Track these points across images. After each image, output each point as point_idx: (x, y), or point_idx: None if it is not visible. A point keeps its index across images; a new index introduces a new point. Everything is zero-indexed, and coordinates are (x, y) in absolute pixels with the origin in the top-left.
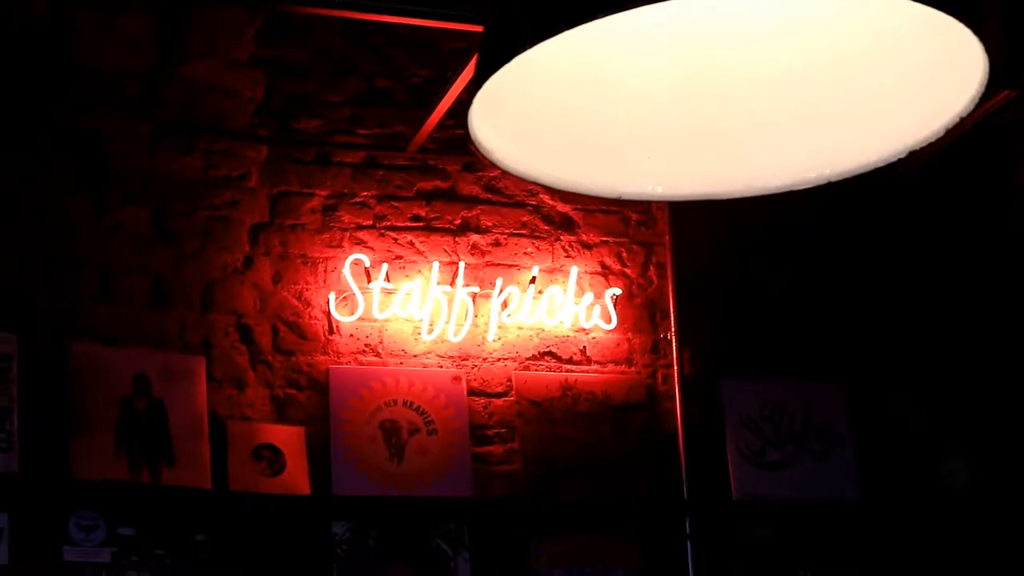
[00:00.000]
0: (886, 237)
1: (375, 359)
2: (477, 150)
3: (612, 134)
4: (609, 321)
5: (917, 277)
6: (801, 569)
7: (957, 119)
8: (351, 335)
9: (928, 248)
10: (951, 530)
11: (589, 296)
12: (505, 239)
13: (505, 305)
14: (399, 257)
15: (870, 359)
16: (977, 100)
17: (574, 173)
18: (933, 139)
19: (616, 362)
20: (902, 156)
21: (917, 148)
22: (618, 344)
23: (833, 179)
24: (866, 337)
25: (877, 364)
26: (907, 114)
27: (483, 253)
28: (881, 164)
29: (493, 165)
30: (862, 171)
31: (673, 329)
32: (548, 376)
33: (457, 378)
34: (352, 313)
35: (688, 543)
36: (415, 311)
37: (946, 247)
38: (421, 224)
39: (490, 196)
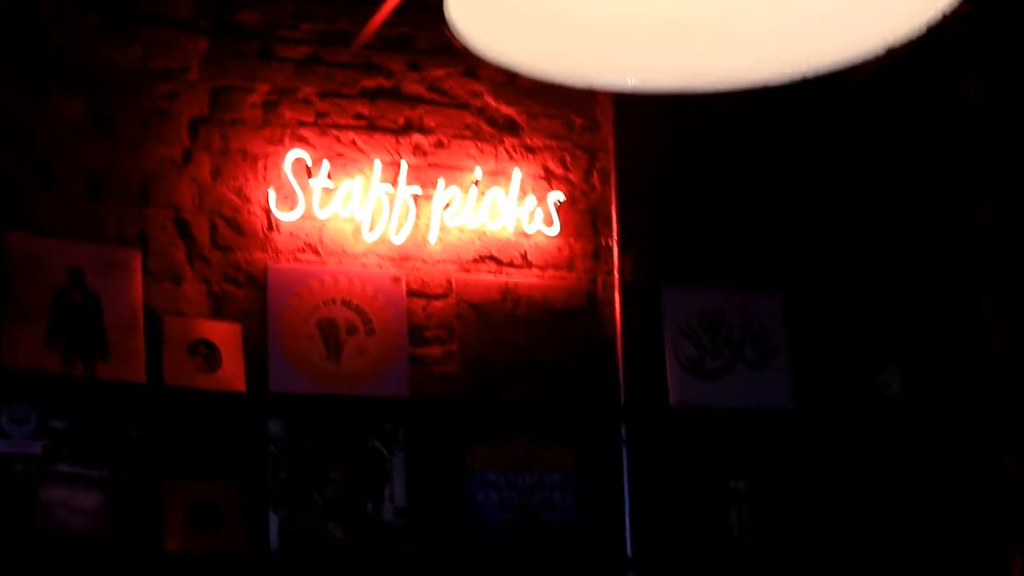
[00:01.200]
0: (831, 146)
1: (314, 258)
2: (452, 36)
3: (589, 23)
4: (551, 226)
5: (858, 187)
6: (734, 477)
7: (941, 16)
8: (290, 233)
9: (871, 158)
10: (885, 438)
11: (531, 200)
12: (448, 140)
13: (447, 207)
14: (341, 155)
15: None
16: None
17: (548, 61)
18: (914, 36)
19: (557, 267)
20: (880, 53)
21: (896, 45)
22: (559, 249)
23: (810, 74)
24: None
25: (812, 271)
26: (888, 10)
27: (426, 154)
28: (860, 60)
29: (468, 51)
30: (840, 67)
31: (615, 235)
32: (488, 280)
33: (397, 279)
34: (292, 210)
35: (624, 449)
36: (356, 210)
37: (889, 157)
38: (364, 123)
39: (434, 96)
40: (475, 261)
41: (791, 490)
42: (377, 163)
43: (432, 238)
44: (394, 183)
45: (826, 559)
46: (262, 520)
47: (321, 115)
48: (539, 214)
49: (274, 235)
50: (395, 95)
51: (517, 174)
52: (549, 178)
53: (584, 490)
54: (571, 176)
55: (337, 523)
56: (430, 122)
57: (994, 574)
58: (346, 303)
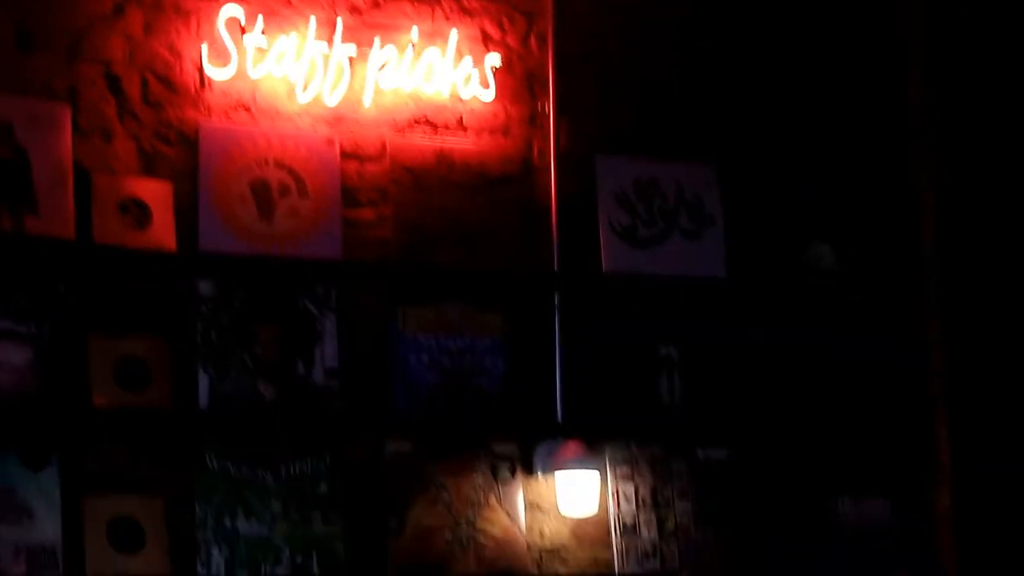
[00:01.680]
0: (773, 18)
1: (247, 117)
2: None
3: None
4: (487, 89)
5: (798, 60)
6: (665, 344)
7: None
8: (223, 91)
9: (812, 31)
10: (814, 310)
11: (468, 63)
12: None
13: (382, 68)
14: (275, 12)
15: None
16: None
17: None
18: None
19: (492, 132)
20: None
21: None
22: (495, 115)
23: None
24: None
25: (749, 144)
26: None
27: (361, 12)
28: None
29: None
30: None
31: (551, 102)
32: (423, 143)
33: (330, 141)
34: (225, 68)
35: (556, 316)
36: (290, 70)
37: (830, 31)
38: None
39: None
40: (410, 124)
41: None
42: (312, 20)
43: (367, 100)
44: (329, 42)
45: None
46: (191, 378)
47: None
48: (475, 78)
49: (206, 93)
50: None
51: (454, 36)
52: (486, 41)
53: (515, 355)
54: (508, 40)
55: (267, 383)
56: None
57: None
58: (279, 164)
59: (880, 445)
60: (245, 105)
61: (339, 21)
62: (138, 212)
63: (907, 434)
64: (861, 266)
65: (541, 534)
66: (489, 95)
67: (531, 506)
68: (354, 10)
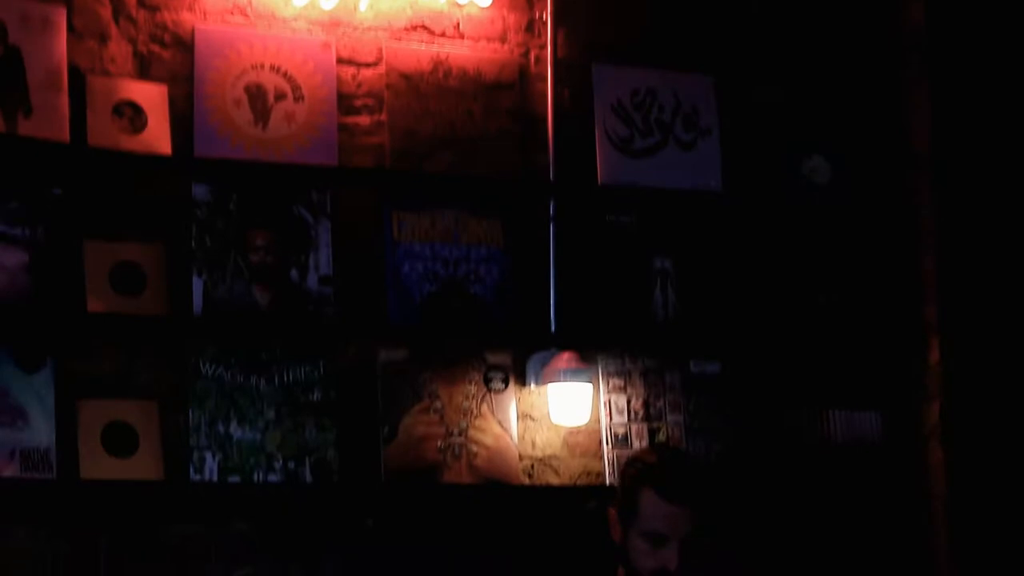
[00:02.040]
0: None
1: (243, 20)
2: None
3: None
4: None
5: None
6: (659, 255)
7: None
8: None
9: None
10: (810, 225)
11: None
12: None
13: None
14: None
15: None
16: None
17: None
18: None
19: (490, 39)
20: None
21: None
22: (492, 21)
23: None
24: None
25: (747, 56)
26: None
27: None
28: None
29: None
30: None
31: (549, 8)
32: (419, 50)
33: (326, 45)
34: None
35: (551, 225)
36: None
37: None
38: None
39: None
40: (406, 30)
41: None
42: None
43: (363, 5)
44: None
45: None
46: (185, 284)
47: None
48: None
49: None
50: None
51: None
52: None
53: (510, 265)
54: None
55: (261, 289)
56: None
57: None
58: (274, 68)
59: (872, 359)
60: (241, 8)
61: None
62: (133, 115)
63: (899, 348)
64: (856, 180)
65: (533, 444)
66: (486, 1)
67: (523, 416)
68: None
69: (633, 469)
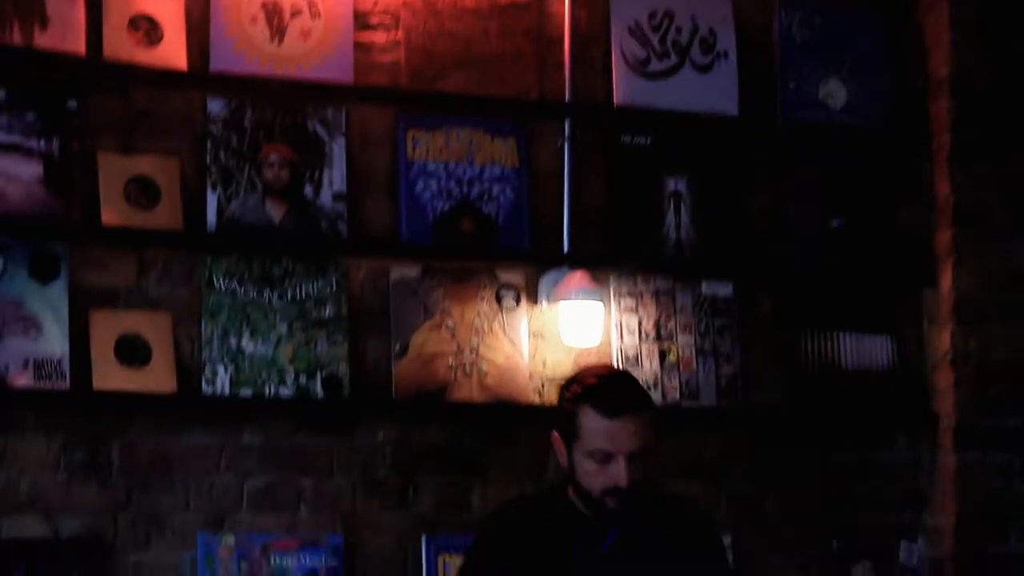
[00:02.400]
0: None
1: None
2: None
3: None
4: None
5: None
6: (674, 178)
7: None
8: None
9: None
10: (824, 149)
11: None
12: None
13: None
14: None
15: None
16: None
17: None
18: None
19: None
20: None
21: None
22: None
23: None
24: None
25: None
26: None
27: None
28: None
29: None
30: None
31: None
32: None
33: None
34: None
35: (566, 145)
36: None
37: None
38: None
39: None
40: None
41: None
42: None
43: None
44: None
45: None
46: (200, 199)
47: None
48: None
49: None
50: None
51: None
52: None
53: (523, 184)
54: None
55: (275, 205)
56: None
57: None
58: None
59: (884, 283)
60: None
61: None
62: (149, 28)
63: (911, 273)
64: (872, 104)
65: (544, 363)
66: None
67: (534, 335)
68: None
69: (570, 391)
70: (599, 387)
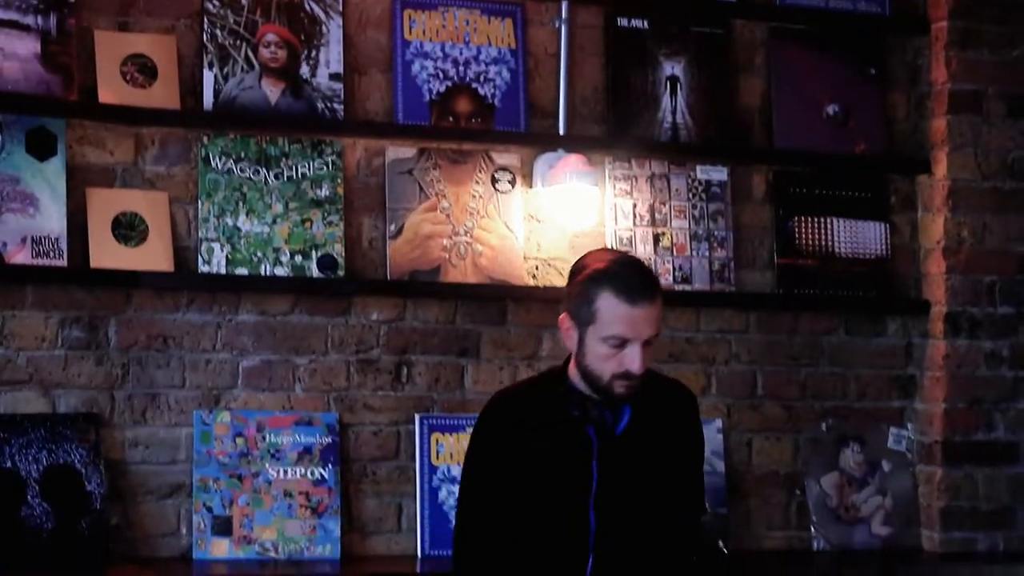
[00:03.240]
0: None
1: None
2: None
3: None
4: None
5: None
6: (671, 61)
7: None
8: None
9: None
10: (821, 35)
11: None
12: None
13: None
14: None
15: None
16: None
17: None
18: None
19: None
20: None
21: None
22: None
23: None
24: None
25: None
26: None
27: None
28: None
29: None
30: None
31: None
32: None
33: None
34: None
35: (563, 27)
36: None
37: None
38: None
39: None
40: None
41: (726, 78)
42: None
43: None
44: None
45: None
46: (197, 77)
47: None
48: None
49: None
50: None
51: None
52: None
53: (520, 66)
54: None
55: (271, 84)
56: None
57: None
58: None
59: (878, 170)
60: None
61: None
62: None
63: (905, 159)
64: None
65: (538, 246)
66: None
67: (529, 217)
68: None
69: (587, 274)
70: (620, 273)
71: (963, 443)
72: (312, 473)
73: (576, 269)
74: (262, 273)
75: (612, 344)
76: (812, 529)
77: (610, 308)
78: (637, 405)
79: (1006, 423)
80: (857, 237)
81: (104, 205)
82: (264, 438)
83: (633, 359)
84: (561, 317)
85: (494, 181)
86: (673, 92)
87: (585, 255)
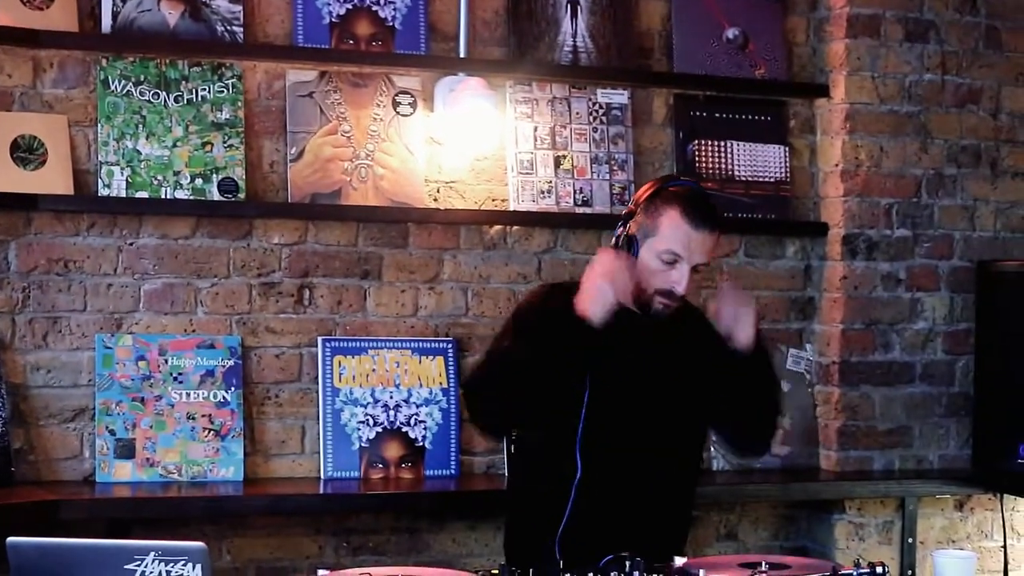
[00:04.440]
0: None
1: None
2: None
3: None
4: None
5: None
6: None
7: None
8: None
9: None
10: None
11: None
12: None
13: None
14: None
15: None
16: None
17: None
18: None
19: None
20: None
21: None
22: None
23: None
24: None
25: None
26: None
27: None
28: None
29: None
30: None
31: None
32: None
33: None
34: None
35: None
36: None
37: None
38: None
39: None
40: None
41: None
42: None
43: None
44: None
45: None
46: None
47: None
48: None
49: None
50: None
51: None
52: None
53: None
54: None
55: (171, 7)
56: None
57: None
58: None
59: (778, 93)
60: None
61: None
62: None
63: (804, 83)
64: None
65: (439, 169)
66: None
67: (430, 141)
68: None
69: (662, 190)
70: (690, 198)
71: (860, 363)
72: (215, 396)
73: (653, 183)
74: (163, 196)
75: (665, 260)
76: (712, 449)
77: (673, 225)
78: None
79: (902, 344)
80: (756, 160)
81: (2, 128)
82: (166, 361)
83: (681, 278)
84: (622, 231)
85: (395, 104)
86: (574, 15)
87: (664, 176)
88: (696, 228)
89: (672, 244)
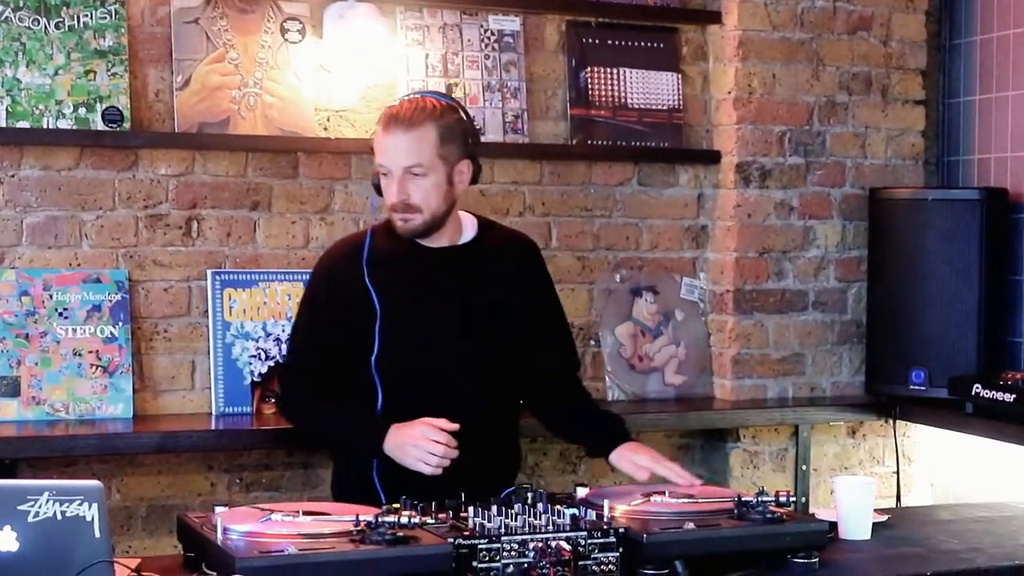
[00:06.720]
0: None
1: None
2: None
3: None
4: None
5: None
6: None
7: None
8: None
9: None
10: None
11: None
12: None
13: None
14: None
15: None
16: None
17: None
18: None
19: None
20: None
21: None
22: None
23: None
24: None
25: None
26: None
27: None
28: None
29: None
30: None
31: None
32: None
33: None
34: None
35: None
36: None
37: None
38: None
39: None
40: None
41: None
42: None
43: None
44: None
45: None
46: None
47: None
48: None
49: None
50: None
51: None
52: None
53: None
54: None
55: None
56: None
57: None
58: None
59: (669, 20)
60: None
61: None
62: None
63: (696, 11)
64: None
65: (329, 97)
66: None
67: (320, 68)
68: None
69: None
70: (389, 108)
71: (753, 292)
72: (102, 331)
73: None
74: (45, 126)
75: (384, 175)
76: (607, 379)
77: (375, 140)
78: (472, 251)
79: (795, 271)
80: (649, 88)
81: None
82: (51, 296)
83: (389, 186)
84: None
85: (283, 31)
86: None
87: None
88: (387, 132)
89: (377, 158)
